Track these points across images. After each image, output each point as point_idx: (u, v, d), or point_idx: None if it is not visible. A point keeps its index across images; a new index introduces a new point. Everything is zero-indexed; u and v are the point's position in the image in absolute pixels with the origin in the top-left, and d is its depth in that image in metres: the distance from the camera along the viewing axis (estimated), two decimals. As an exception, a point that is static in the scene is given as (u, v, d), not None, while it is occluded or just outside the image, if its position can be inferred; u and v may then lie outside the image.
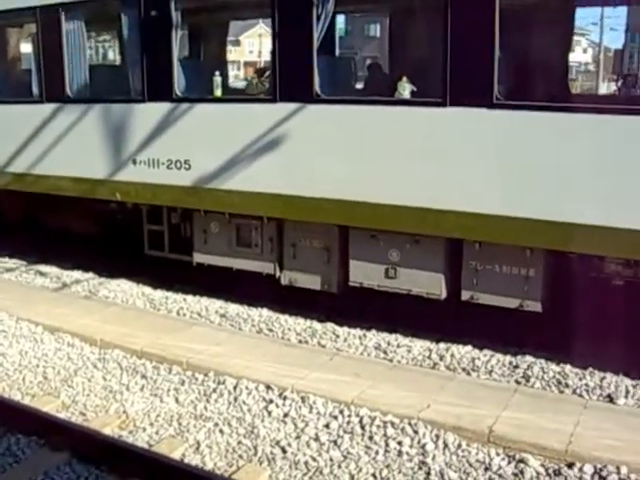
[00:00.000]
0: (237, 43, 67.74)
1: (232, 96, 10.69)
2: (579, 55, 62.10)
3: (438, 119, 8.06)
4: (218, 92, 9.90)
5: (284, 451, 6.56)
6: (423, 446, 6.53)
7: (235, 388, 7.66)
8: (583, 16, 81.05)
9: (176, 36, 9.82)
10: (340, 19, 14.64)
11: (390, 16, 11.83)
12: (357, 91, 10.57)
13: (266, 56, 10.09)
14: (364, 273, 8.96)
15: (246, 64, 61.55)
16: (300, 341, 9.07)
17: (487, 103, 7.72)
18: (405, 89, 8.53)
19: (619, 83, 14.28)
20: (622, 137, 7.23)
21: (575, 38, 52.17)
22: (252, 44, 73.37)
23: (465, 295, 8.43)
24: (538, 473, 6.15)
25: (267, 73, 10.02)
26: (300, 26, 8.71)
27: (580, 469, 6.11)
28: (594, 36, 55.94)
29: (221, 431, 6.92)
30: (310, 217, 9.10)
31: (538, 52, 9.93)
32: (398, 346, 8.76)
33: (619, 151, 7.25)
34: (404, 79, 8.56)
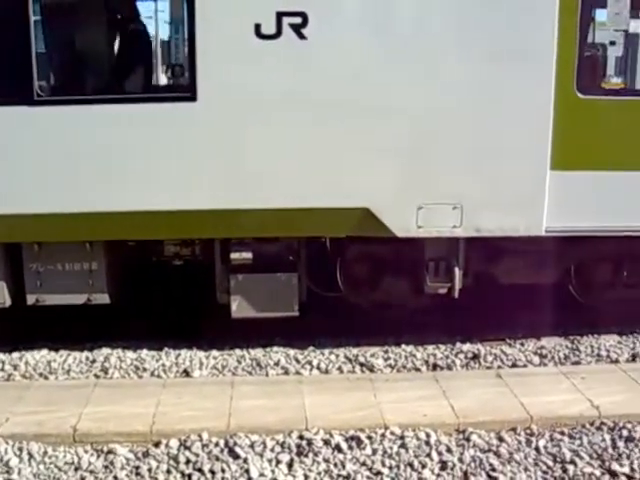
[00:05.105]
0: None
1: None
2: (136, 48, 62.81)
3: None
4: None
5: None
6: (7, 463, 6.22)
7: None
8: (139, 10, 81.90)
9: None
10: None
11: None
12: None
13: None
14: None
15: None
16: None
17: (28, 100, 7.50)
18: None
19: (168, 73, 14.89)
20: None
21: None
22: None
23: (30, 299, 8.16)
24: (128, 459, 6.25)
25: None
26: None
27: (166, 445, 6.38)
28: (151, 29, 57.18)
29: None
30: None
31: (81, 47, 9.88)
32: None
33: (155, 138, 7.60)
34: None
